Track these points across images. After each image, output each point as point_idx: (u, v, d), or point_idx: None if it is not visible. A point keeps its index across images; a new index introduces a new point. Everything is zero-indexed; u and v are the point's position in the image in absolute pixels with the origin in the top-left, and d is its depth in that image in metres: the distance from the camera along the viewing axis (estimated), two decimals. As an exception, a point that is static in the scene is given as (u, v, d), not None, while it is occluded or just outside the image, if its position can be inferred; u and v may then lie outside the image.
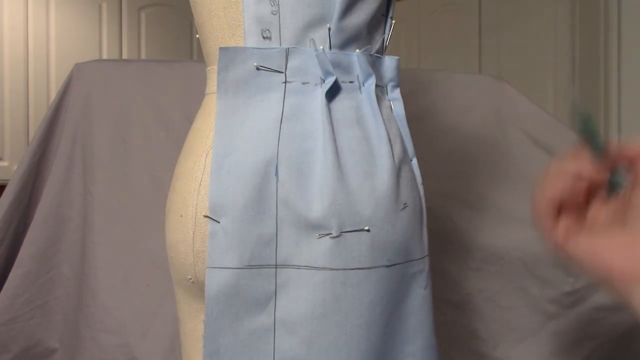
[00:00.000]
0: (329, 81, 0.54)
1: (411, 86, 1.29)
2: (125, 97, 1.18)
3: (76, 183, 1.15)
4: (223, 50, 0.54)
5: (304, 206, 0.52)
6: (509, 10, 2.44)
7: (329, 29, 0.55)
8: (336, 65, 0.55)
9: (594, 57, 2.13)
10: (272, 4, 0.54)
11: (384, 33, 0.62)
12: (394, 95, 0.62)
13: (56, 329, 1.14)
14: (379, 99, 0.58)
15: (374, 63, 0.59)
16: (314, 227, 0.52)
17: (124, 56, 2.54)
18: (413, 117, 1.28)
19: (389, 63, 0.62)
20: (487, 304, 1.22)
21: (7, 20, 2.31)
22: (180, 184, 0.59)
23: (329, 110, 0.54)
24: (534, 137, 1.31)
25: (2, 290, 1.11)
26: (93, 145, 1.16)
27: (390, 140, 0.56)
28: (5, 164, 2.31)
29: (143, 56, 2.58)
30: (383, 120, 0.56)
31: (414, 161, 0.62)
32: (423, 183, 0.62)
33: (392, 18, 0.63)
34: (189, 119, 0.64)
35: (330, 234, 0.52)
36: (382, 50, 0.62)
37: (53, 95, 2.29)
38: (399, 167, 0.57)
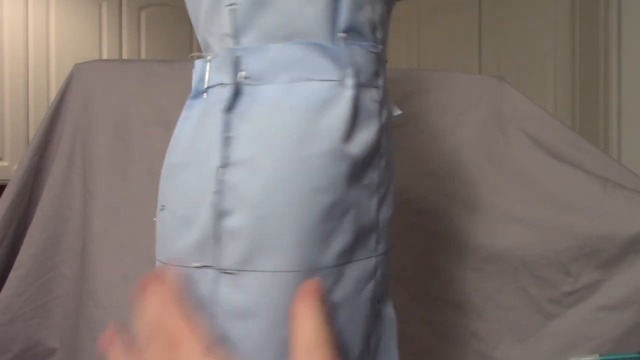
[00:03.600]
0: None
1: (411, 86, 1.29)
2: (125, 97, 1.18)
3: (76, 183, 1.15)
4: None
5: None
6: (509, 10, 2.44)
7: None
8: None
9: (594, 57, 2.13)
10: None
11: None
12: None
13: (56, 329, 1.14)
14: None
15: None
16: None
17: (124, 56, 2.54)
18: (413, 117, 1.28)
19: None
20: (487, 304, 1.22)
21: (7, 20, 2.31)
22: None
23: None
24: (534, 137, 1.31)
25: (2, 290, 1.11)
26: (93, 145, 1.16)
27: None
28: (5, 164, 2.32)
29: (143, 56, 2.58)
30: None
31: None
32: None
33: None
34: (189, 119, 0.65)
35: None
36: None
37: (53, 95, 2.29)
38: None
